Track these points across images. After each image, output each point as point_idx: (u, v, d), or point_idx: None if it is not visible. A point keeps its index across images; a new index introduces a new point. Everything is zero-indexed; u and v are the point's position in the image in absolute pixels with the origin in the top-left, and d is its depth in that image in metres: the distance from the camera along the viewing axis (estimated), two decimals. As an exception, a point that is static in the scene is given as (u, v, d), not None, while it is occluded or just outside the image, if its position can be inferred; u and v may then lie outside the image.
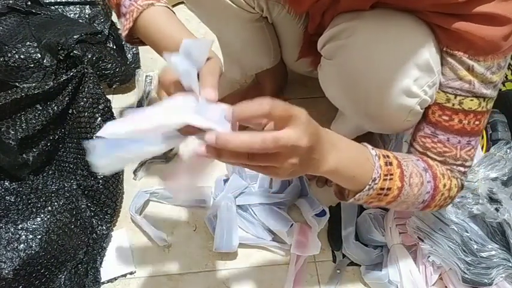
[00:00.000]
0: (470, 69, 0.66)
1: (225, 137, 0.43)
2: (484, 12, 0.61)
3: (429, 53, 0.67)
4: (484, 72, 0.66)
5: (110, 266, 0.97)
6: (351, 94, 0.75)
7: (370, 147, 0.60)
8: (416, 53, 0.66)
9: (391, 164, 0.61)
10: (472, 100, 0.68)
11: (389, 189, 0.61)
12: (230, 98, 1.18)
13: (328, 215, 1.00)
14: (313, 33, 0.83)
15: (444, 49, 0.68)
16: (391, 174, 0.60)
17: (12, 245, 0.80)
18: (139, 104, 1.21)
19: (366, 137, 0.97)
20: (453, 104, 0.70)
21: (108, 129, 0.44)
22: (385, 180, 0.60)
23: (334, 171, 0.55)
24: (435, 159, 0.72)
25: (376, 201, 0.62)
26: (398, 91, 0.69)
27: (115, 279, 0.96)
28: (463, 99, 0.69)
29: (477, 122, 0.70)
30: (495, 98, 0.71)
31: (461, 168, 0.73)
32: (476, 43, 0.64)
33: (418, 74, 0.67)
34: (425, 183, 0.66)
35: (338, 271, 0.98)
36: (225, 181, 1.06)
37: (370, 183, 0.58)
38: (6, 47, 1.10)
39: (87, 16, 1.30)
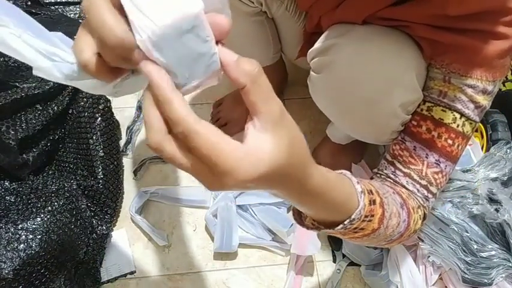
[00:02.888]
0: (446, 80, 0.65)
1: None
2: (477, 29, 0.61)
3: (415, 75, 0.66)
4: (462, 87, 0.64)
5: (110, 266, 0.97)
6: (336, 109, 0.76)
7: (354, 180, 0.51)
8: (401, 76, 0.65)
9: (374, 202, 0.52)
10: (444, 111, 0.66)
11: (362, 229, 0.52)
12: (230, 97, 1.18)
13: (328, 215, 1.00)
14: (312, 33, 0.83)
15: (429, 62, 0.67)
16: (372, 216, 0.52)
17: (12, 245, 0.80)
18: (140, 104, 1.21)
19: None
20: (421, 110, 0.68)
21: None
22: (363, 221, 0.51)
23: (306, 207, 0.47)
24: (401, 171, 0.69)
25: (339, 235, 0.53)
26: (383, 112, 0.68)
27: (115, 279, 0.96)
28: (432, 106, 0.67)
29: (450, 141, 0.66)
30: (476, 126, 0.68)
31: (425, 191, 0.68)
32: (464, 55, 0.63)
33: (403, 96, 0.67)
34: (400, 223, 0.60)
35: (338, 271, 0.98)
36: (225, 181, 1.06)
37: (345, 222, 0.49)
38: (6, 47, 1.10)
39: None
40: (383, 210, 0.54)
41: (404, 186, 0.68)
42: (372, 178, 0.75)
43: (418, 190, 0.68)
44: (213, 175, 0.33)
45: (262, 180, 0.35)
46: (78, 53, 0.34)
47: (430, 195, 0.68)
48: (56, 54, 0.36)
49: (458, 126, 0.66)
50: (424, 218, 0.68)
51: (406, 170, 0.68)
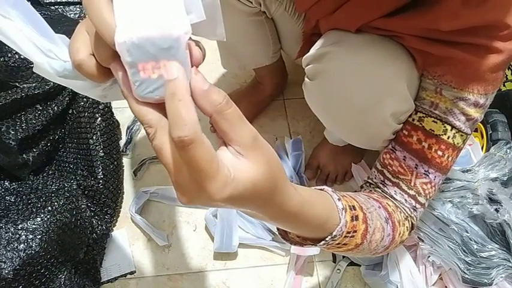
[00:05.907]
0: (438, 92, 0.65)
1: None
2: (470, 42, 0.61)
3: (407, 85, 0.66)
4: (454, 100, 0.64)
5: (110, 266, 0.97)
6: (329, 115, 0.77)
7: (335, 197, 0.51)
8: (392, 86, 0.65)
9: (357, 218, 0.53)
10: (435, 122, 0.66)
11: (345, 244, 0.53)
12: (231, 97, 1.18)
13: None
14: (311, 34, 0.83)
15: (421, 72, 0.68)
16: (355, 232, 0.53)
17: (12, 245, 0.80)
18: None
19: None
20: (413, 119, 0.69)
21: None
22: (346, 237, 0.51)
23: (285, 226, 0.47)
24: (390, 180, 0.69)
25: (323, 249, 0.54)
26: (374, 121, 0.69)
27: (115, 279, 0.96)
28: (423, 116, 0.67)
29: (440, 153, 0.66)
30: (468, 138, 0.68)
31: (413, 202, 0.68)
32: (456, 67, 0.63)
33: (395, 106, 0.67)
34: (385, 238, 0.60)
35: (338, 271, 0.98)
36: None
37: (327, 238, 0.49)
38: (6, 47, 1.10)
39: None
40: (366, 225, 0.55)
41: (392, 197, 0.69)
42: (361, 187, 0.76)
43: (406, 200, 0.68)
44: (198, 187, 0.32)
45: (239, 200, 0.35)
46: (74, 52, 0.34)
47: (418, 206, 0.69)
48: (51, 51, 0.36)
49: (449, 138, 0.66)
50: (412, 228, 0.69)
51: (395, 180, 0.69)
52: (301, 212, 0.43)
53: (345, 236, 0.51)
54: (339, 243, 0.52)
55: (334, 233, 0.49)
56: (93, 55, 0.34)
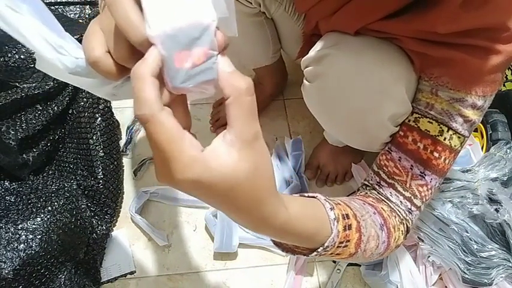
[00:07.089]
0: (433, 93, 0.65)
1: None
2: (467, 44, 0.60)
3: (405, 88, 0.66)
4: (450, 100, 0.64)
5: (110, 266, 0.97)
6: (327, 117, 0.77)
7: (327, 206, 0.50)
8: (391, 89, 0.65)
9: (350, 227, 0.52)
10: (430, 123, 0.66)
11: (339, 254, 0.52)
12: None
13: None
14: (311, 34, 0.83)
15: (419, 75, 0.68)
16: (348, 241, 0.52)
17: (12, 245, 0.80)
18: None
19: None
20: (409, 120, 0.69)
21: None
22: (338, 247, 0.51)
23: (273, 238, 0.46)
24: (385, 181, 0.69)
25: (317, 257, 0.52)
26: (372, 124, 0.69)
27: (115, 279, 0.96)
28: (419, 117, 0.67)
29: (436, 154, 0.66)
30: (465, 140, 0.67)
31: (408, 204, 0.68)
32: (454, 69, 0.63)
33: (393, 108, 0.67)
34: (379, 245, 0.60)
35: (338, 271, 0.98)
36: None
37: (319, 249, 0.49)
38: (6, 47, 1.10)
39: (87, 16, 1.30)
40: (360, 234, 0.54)
41: (388, 198, 0.69)
42: (358, 189, 0.76)
43: (401, 202, 0.68)
44: (164, 166, 0.32)
45: (207, 190, 0.33)
46: (89, 50, 0.34)
47: (413, 208, 0.68)
48: (63, 47, 0.36)
49: (445, 139, 0.66)
50: (407, 232, 0.69)
51: (390, 181, 0.69)
52: (289, 226, 0.42)
53: (338, 246, 0.51)
54: (331, 253, 0.51)
55: (326, 244, 0.49)
56: (109, 52, 0.34)
